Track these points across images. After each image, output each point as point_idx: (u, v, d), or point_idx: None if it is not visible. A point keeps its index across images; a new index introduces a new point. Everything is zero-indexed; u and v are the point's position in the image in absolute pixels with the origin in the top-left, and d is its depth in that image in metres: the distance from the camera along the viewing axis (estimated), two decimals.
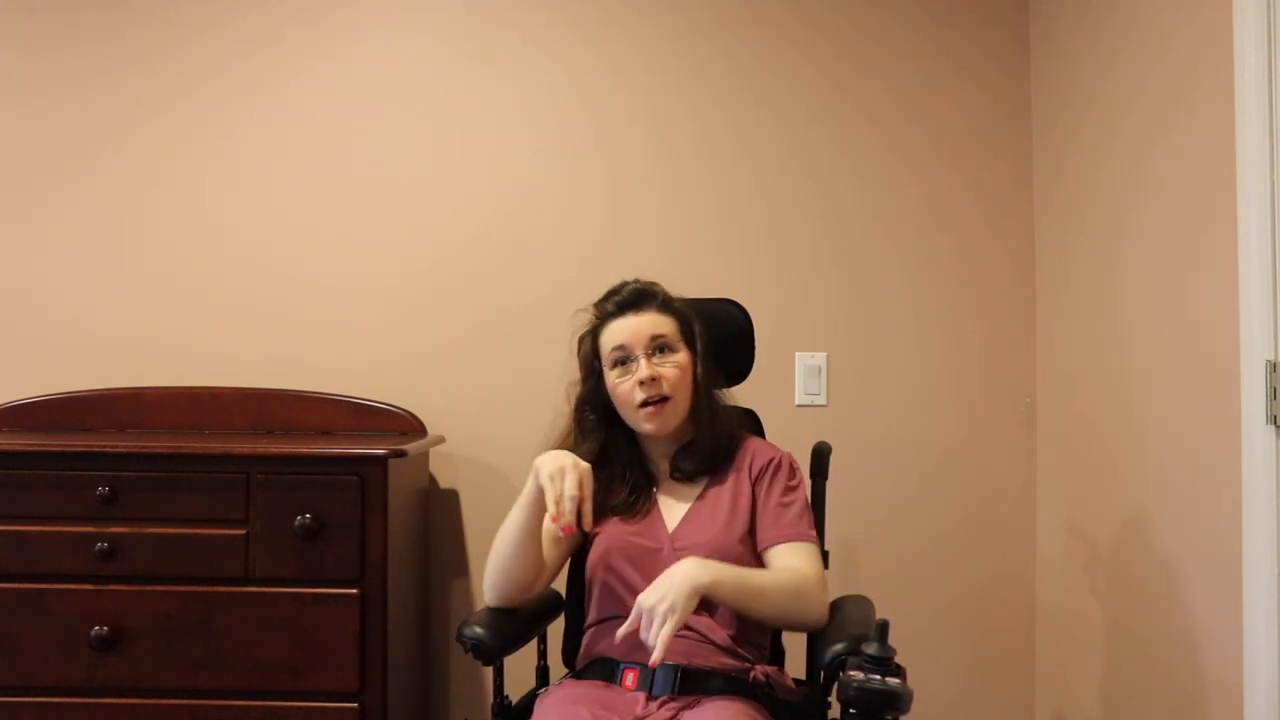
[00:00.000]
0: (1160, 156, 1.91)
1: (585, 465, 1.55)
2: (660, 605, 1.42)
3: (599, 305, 1.76)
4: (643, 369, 1.66)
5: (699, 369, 1.73)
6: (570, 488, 1.50)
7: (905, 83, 2.48)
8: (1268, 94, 1.58)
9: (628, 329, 1.69)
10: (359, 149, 2.48)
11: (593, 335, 1.75)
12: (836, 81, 2.48)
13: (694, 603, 1.44)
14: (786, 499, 1.69)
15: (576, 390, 1.77)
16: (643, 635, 1.42)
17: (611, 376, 1.70)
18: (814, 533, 1.68)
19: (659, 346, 1.69)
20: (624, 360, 1.69)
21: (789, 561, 1.62)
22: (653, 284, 1.76)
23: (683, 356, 1.70)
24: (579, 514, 1.52)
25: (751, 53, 2.48)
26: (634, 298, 1.72)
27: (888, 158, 2.48)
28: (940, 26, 2.48)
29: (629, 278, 1.78)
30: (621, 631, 1.46)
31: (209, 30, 2.48)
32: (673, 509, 1.70)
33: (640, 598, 1.46)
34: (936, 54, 2.48)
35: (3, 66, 2.48)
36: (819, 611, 1.59)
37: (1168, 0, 1.89)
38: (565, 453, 1.57)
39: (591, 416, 1.74)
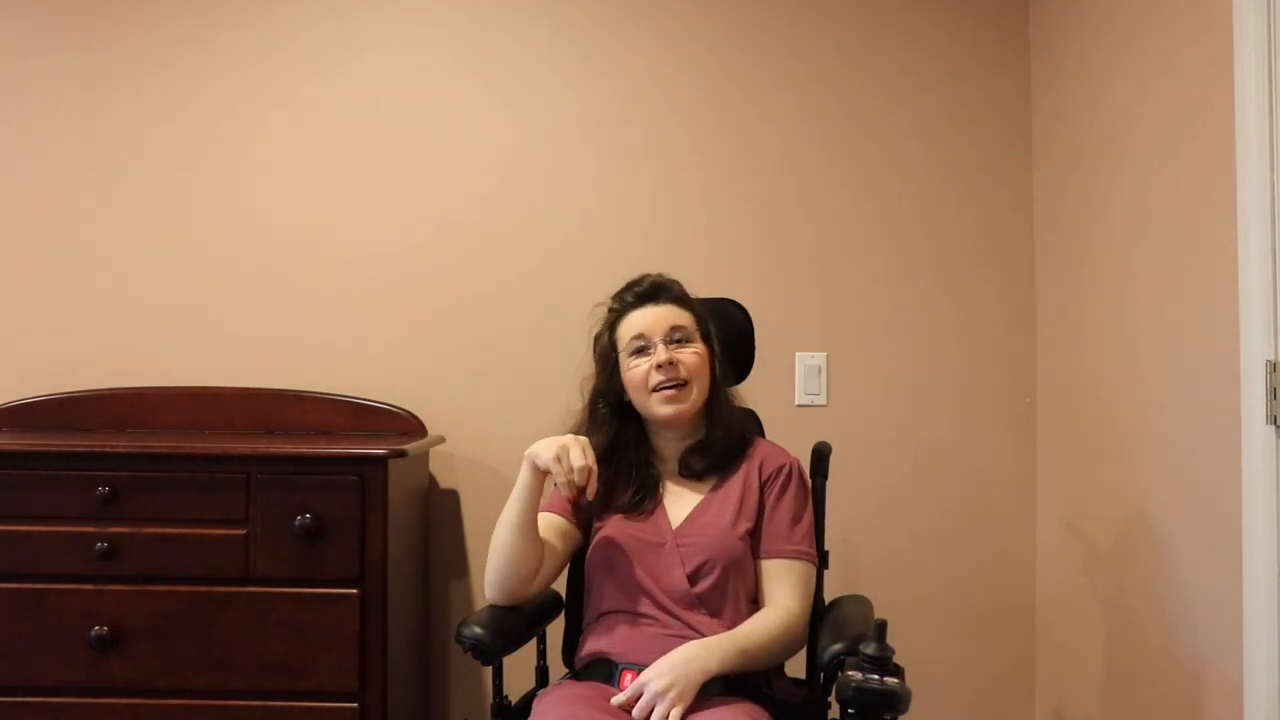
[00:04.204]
0: (1160, 157, 1.91)
1: (584, 438, 1.59)
2: (669, 691, 1.43)
3: (617, 297, 1.77)
4: (660, 353, 1.66)
5: (715, 365, 1.74)
6: (577, 459, 1.54)
7: (906, 84, 2.48)
8: (1268, 95, 1.58)
9: (646, 318, 1.70)
10: (360, 149, 2.48)
11: (610, 329, 1.76)
12: (837, 82, 2.48)
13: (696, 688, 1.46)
14: (797, 512, 1.69)
15: (590, 385, 1.78)
16: (637, 713, 1.44)
17: (628, 364, 1.70)
18: (815, 553, 1.70)
19: (677, 337, 1.70)
20: (642, 349, 1.69)
21: (783, 587, 1.63)
22: (671, 279, 1.77)
23: (700, 347, 1.71)
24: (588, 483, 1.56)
25: (752, 52, 2.48)
26: (653, 289, 1.74)
27: (888, 159, 2.47)
28: (941, 33, 2.48)
29: (640, 274, 1.79)
30: (617, 700, 1.47)
31: (207, 38, 2.48)
32: (678, 506, 1.70)
33: (644, 676, 1.47)
34: (936, 59, 2.47)
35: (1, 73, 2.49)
36: (801, 644, 1.65)
37: (1167, 3, 1.89)
38: (558, 436, 1.59)
39: (604, 409, 1.75)
